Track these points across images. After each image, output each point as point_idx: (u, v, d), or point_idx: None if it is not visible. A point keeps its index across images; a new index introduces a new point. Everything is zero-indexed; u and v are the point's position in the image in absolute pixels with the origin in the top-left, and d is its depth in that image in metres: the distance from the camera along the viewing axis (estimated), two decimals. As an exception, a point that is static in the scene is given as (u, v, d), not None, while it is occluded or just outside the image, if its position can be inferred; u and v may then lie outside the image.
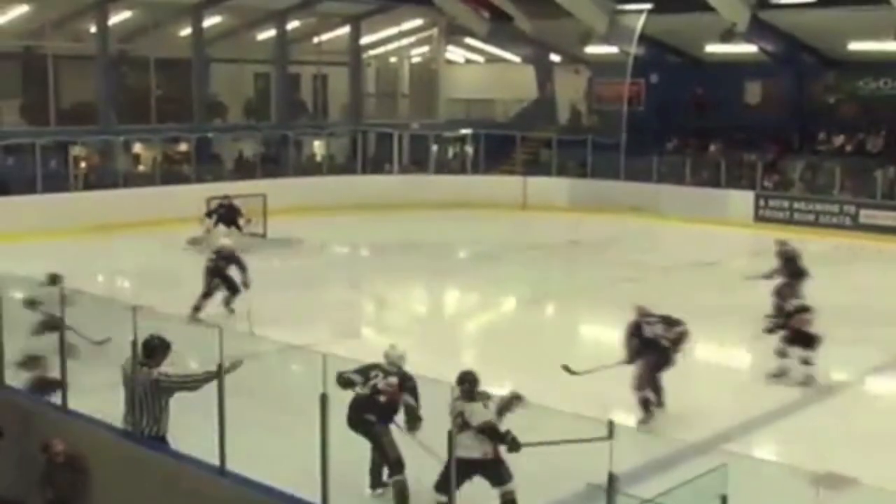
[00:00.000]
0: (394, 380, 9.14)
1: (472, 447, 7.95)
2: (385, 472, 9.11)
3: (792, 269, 16.10)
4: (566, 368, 12.12)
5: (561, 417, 7.62)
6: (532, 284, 20.54)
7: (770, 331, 13.83)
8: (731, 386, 13.59)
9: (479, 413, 8.01)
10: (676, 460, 8.05)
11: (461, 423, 7.84)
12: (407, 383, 9.08)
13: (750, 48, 29.44)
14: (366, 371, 9.25)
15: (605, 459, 6.08)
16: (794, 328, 13.46)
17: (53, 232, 22.78)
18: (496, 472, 8.15)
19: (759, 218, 27.02)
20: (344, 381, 8.81)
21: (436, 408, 7.24)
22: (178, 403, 10.58)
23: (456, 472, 7.10)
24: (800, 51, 29.73)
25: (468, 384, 8.13)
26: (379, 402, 8.99)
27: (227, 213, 22.16)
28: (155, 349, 8.60)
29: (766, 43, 29.35)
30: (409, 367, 9.10)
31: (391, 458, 8.90)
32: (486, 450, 8.05)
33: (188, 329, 11.14)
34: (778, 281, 15.95)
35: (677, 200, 27.52)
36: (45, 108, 27.77)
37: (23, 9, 28.17)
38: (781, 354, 13.32)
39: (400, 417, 8.86)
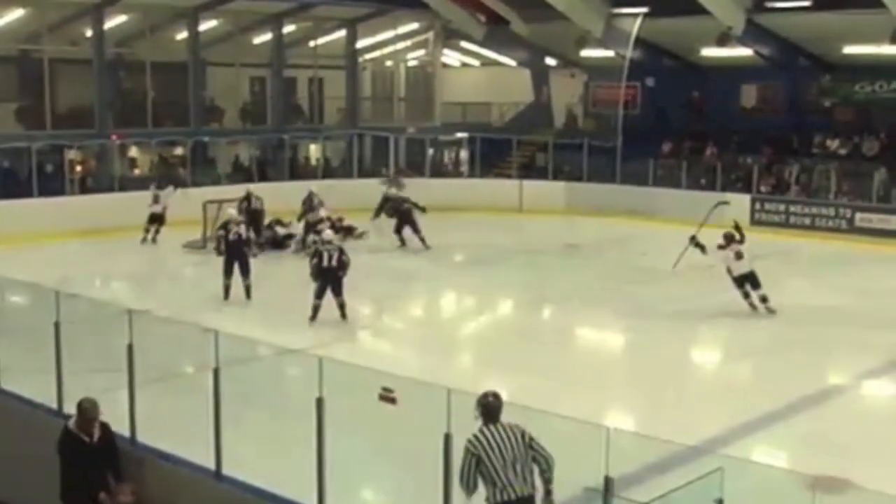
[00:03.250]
0: (243, 227, 17.71)
1: None
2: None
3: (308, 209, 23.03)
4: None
5: (557, 420, 7.60)
6: (529, 287, 20.55)
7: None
8: (727, 389, 13.59)
9: None
10: (672, 464, 8.03)
11: None
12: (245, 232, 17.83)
13: (745, 52, 29.48)
14: (225, 227, 17.74)
15: (602, 463, 6.07)
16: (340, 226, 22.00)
17: (49, 235, 22.76)
18: None
19: (756, 221, 26.99)
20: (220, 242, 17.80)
21: (432, 411, 7.22)
22: (173, 407, 10.60)
23: None
24: (795, 54, 29.78)
25: None
26: (244, 241, 17.60)
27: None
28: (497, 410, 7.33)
29: (762, 46, 29.39)
30: (406, 371, 9.10)
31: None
32: None
33: (183, 332, 11.11)
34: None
35: (673, 203, 27.53)
36: (40, 112, 27.73)
37: (19, 12, 28.13)
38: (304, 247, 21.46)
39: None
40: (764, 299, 17.16)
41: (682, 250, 18.58)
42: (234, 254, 17.57)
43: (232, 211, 19.10)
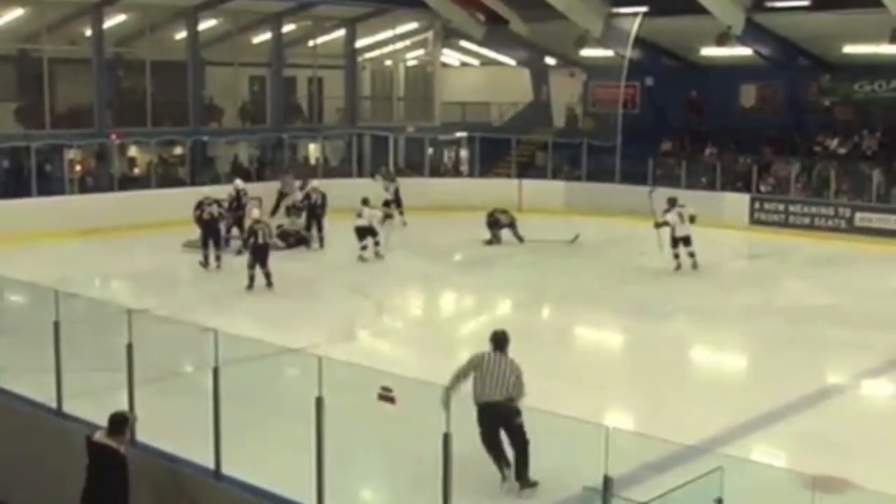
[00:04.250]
0: (215, 206, 20.74)
1: None
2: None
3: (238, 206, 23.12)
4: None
5: (557, 420, 7.62)
6: (528, 287, 20.55)
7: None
8: (726, 388, 13.59)
9: None
10: (672, 463, 8.04)
11: None
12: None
13: (745, 51, 29.47)
14: (199, 207, 20.72)
15: (601, 462, 6.08)
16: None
17: (49, 235, 22.76)
18: None
19: (755, 221, 27.04)
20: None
21: (432, 410, 7.25)
22: (173, 407, 10.61)
23: None
24: (795, 54, 29.77)
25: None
26: (216, 219, 20.73)
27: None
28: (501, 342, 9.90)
29: (762, 46, 29.38)
30: (406, 371, 9.12)
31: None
32: None
33: (183, 331, 11.12)
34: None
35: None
36: (40, 112, 27.71)
37: (18, 12, 28.10)
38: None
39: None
40: (692, 255, 20.58)
41: (658, 237, 20.98)
42: (208, 230, 20.81)
43: (206, 189, 22.59)
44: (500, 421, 9.45)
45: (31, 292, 15.14)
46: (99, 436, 8.31)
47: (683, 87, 32.20)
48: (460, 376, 9.57)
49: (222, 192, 25.11)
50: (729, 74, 30.98)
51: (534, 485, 9.34)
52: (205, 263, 20.61)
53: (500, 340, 9.89)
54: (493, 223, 24.55)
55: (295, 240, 23.35)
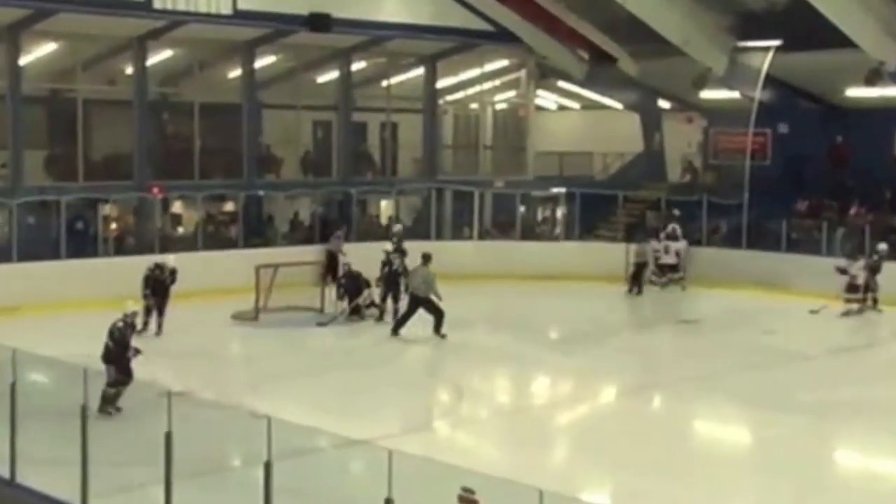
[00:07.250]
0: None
1: None
2: None
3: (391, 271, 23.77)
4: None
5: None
6: (636, 371, 20.38)
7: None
8: (878, 498, 13.26)
9: None
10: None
11: None
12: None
13: (901, 92, 29.17)
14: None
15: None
16: None
17: (79, 304, 23.18)
18: None
19: (915, 295, 26.50)
20: None
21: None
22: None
23: None
24: (963, 93, 29.36)
25: None
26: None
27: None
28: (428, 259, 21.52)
29: (922, 85, 29.04)
30: (490, 469, 9.08)
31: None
32: None
33: (232, 418, 11.23)
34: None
35: (811, 273, 27.13)
36: (72, 161, 28.27)
37: (50, 47, 28.80)
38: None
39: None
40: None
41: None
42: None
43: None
44: (418, 305, 21.09)
45: (56, 370, 15.41)
46: None
47: (824, 135, 31.85)
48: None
49: (279, 255, 25.46)
50: (881, 119, 30.66)
51: (444, 336, 20.97)
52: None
53: (426, 257, 21.56)
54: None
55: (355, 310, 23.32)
